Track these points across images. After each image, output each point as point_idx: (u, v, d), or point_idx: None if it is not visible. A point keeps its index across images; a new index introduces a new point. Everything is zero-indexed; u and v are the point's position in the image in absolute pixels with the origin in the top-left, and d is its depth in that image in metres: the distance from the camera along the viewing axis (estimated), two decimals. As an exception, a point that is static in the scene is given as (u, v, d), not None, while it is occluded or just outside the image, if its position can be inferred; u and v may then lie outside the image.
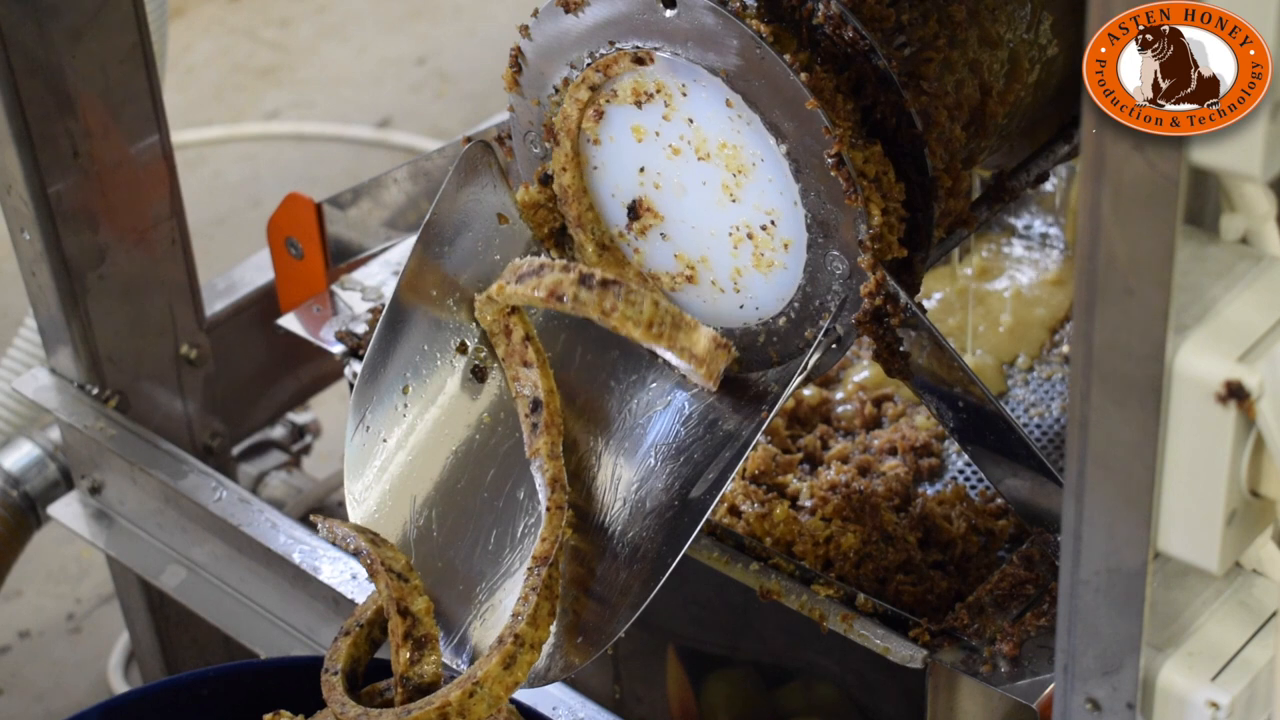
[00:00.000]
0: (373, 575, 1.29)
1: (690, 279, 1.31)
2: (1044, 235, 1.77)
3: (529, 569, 1.27)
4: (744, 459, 1.26)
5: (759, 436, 1.27)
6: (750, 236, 1.26)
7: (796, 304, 1.27)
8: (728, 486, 1.29)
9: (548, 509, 1.28)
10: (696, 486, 1.27)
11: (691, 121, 1.25)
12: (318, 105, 3.10)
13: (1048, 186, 1.74)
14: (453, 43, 3.25)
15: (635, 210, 1.31)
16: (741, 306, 1.30)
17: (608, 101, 1.27)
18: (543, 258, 1.30)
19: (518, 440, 1.34)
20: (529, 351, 1.33)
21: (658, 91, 1.25)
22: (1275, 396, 0.90)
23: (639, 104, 1.26)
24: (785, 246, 1.25)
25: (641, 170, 1.29)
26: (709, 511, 1.24)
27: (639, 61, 1.23)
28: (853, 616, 1.32)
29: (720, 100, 1.22)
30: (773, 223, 1.24)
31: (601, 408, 1.35)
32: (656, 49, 1.23)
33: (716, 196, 1.27)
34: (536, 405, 1.32)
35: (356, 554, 1.30)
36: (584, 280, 1.26)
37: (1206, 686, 1.00)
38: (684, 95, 1.24)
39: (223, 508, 1.57)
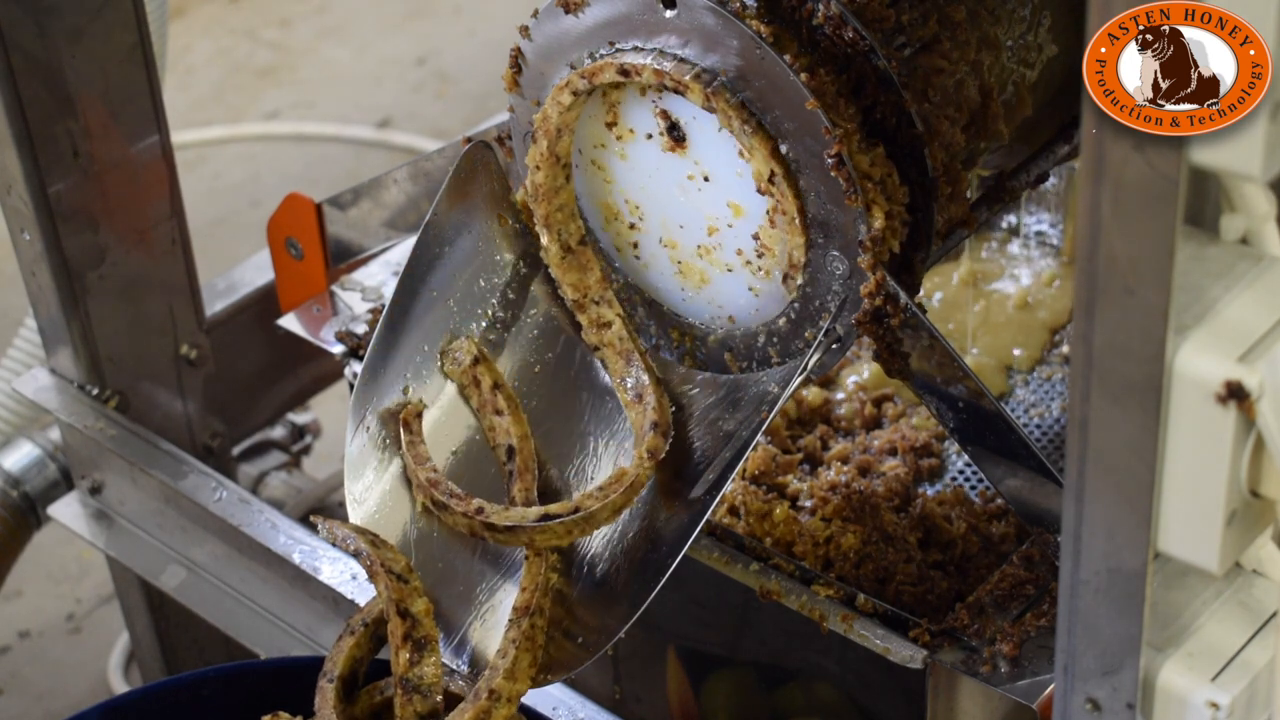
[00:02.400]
0: (372, 577, 1.29)
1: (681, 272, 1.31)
2: (1041, 234, 1.77)
3: (510, 620, 1.25)
4: (744, 459, 1.26)
5: (759, 436, 1.27)
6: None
7: (796, 304, 1.26)
8: (728, 486, 1.29)
9: (526, 557, 1.27)
10: (697, 487, 1.27)
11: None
12: (318, 105, 3.10)
13: (1046, 186, 1.74)
14: (453, 43, 3.25)
15: (676, 128, 1.27)
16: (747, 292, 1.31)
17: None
18: (453, 488, 1.29)
19: (518, 440, 1.34)
20: (499, 399, 1.33)
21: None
22: (1275, 396, 0.90)
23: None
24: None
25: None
26: (709, 511, 1.24)
27: (624, 74, 1.23)
28: (853, 617, 1.32)
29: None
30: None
31: (603, 407, 1.35)
32: (647, 60, 1.22)
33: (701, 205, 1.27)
34: (511, 453, 1.31)
35: (356, 555, 1.30)
36: (490, 528, 1.26)
37: (1206, 687, 1.00)
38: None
39: (223, 508, 1.57)
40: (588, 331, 1.34)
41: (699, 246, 1.29)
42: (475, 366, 1.34)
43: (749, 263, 1.28)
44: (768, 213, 1.25)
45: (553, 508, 1.25)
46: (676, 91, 1.21)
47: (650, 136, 1.27)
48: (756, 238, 1.26)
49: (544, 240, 1.34)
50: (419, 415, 1.33)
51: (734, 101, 1.19)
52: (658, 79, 1.21)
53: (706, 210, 1.27)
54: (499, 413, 1.33)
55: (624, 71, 1.23)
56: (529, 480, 1.31)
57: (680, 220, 1.29)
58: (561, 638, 1.27)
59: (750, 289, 1.29)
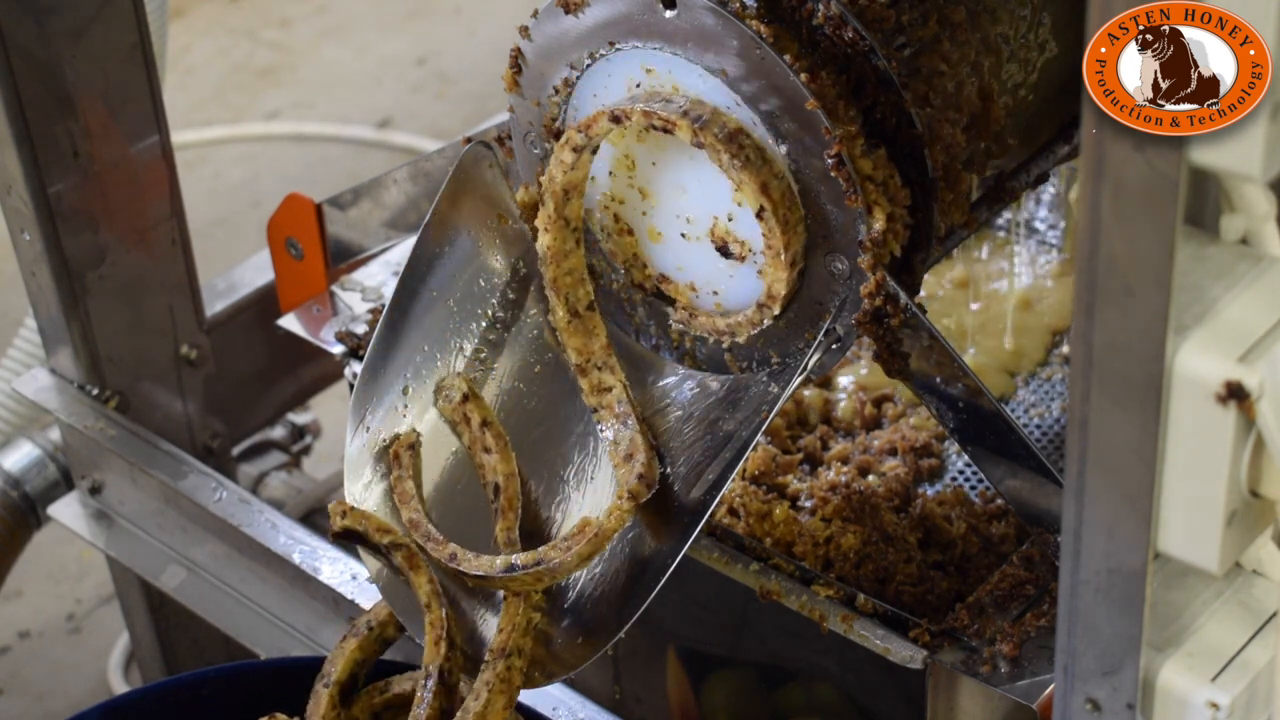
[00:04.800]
0: (413, 569, 1.28)
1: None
2: (1040, 234, 1.77)
3: (486, 660, 1.25)
4: (744, 459, 1.26)
5: (759, 436, 1.27)
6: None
7: (796, 304, 1.26)
8: (728, 486, 1.29)
9: (505, 597, 1.27)
10: (696, 487, 1.27)
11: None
12: (318, 105, 3.10)
13: (1048, 187, 1.74)
14: (453, 43, 3.25)
15: (725, 250, 1.29)
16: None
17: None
18: (431, 531, 1.30)
19: (517, 442, 1.34)
20: (488, 437, 1.32)
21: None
22: (1275, 396, 0.90)
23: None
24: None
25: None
26: (709, 512, 1.24)
27: (616, 120, 1.23)
28: (853, 617, 1.32)
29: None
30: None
31: (601, 408, 1.35)
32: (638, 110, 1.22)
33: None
34: (497, 490, 1.31)
35: (393, 548, 1.29)
36: (462, 574, 1.27)
37: (1206, 687, 1.00)
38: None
39: (223, 508, 1.57)
40: (587, 394, 1.33)
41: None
42: (465, 404, 1.33)
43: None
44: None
45: (518, 558, 1.25)
46: (665, 130, 1.21)
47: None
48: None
49: (551, 302, 1.33)
50: (410, 447, 1.32)
51: (722, 136, 1.19)
52: (646, 120, 1.22)
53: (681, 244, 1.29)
54: (487, 450, 1.32)
55: (615, 118, 1.23)
56: (511, 519, 1.30)
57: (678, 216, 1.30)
58: (582, 602, 1.27)
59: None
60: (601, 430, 1.31)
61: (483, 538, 1.32)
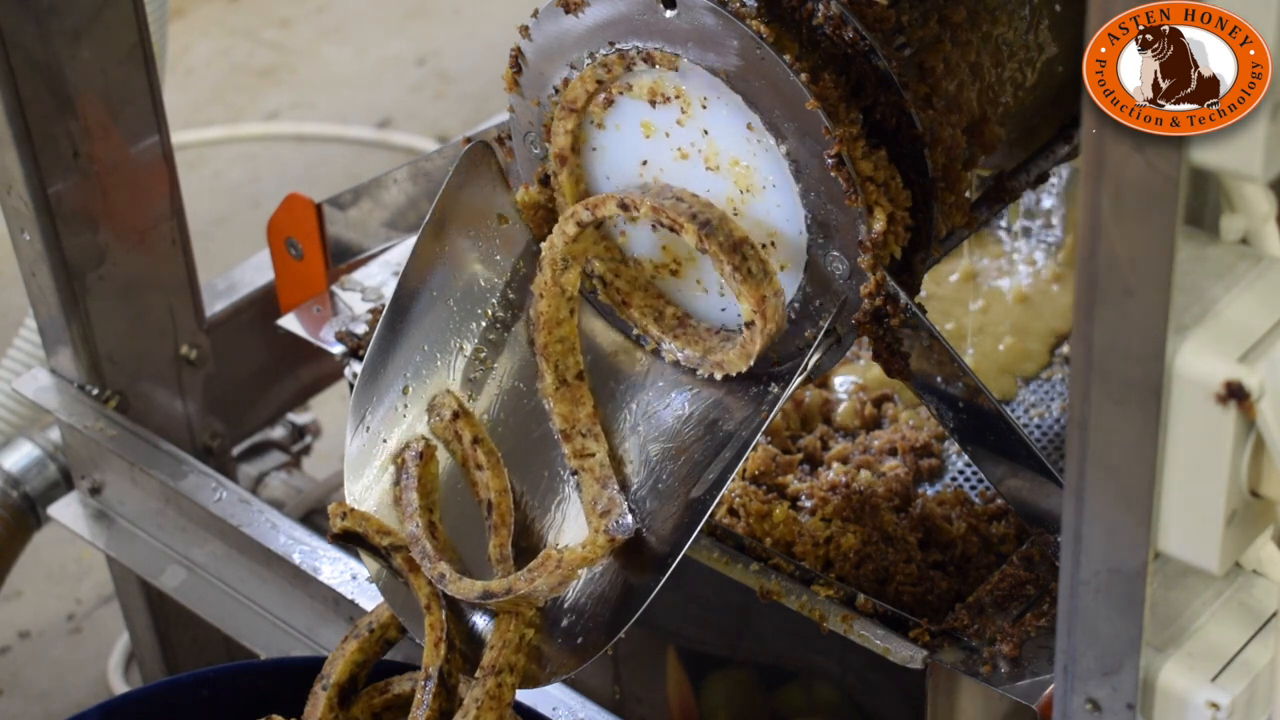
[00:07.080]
0: (411, 570, 1.28)
1: (675, 273, 1.31)
2: (1039, 233, 1.77)
3: (476, 677, 1.25)
4: (744, 459, 1.26)
5: (759, 436, 1.27)
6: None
7: (796, 304, 1.26)
8: (728, 486, 1.29)
9: (496, 615, 1.27)
10: (697, 487, 1.27)
11: (706, 133, 1.24)
12: (318, 106, 3.10)
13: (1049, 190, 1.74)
14: (453, 43, 3.25)
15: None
16: (724, 310, 1.31)
17: (621, 92, 1.27)
18: (426, 548, 1.30)
19: (517, 441, 1.34)
20: (479, 454, 1.32)
21: (676, 96, 1.24)
22: (1275, 397, 0.90)
23: (653, 103, 1.26)
24: (781, 268, 1.25)
25: (644, 163, 1.29)
26: (709, 512, 1.24)
27: (624, 208, 1.24)
28: (853, 617, 1.32)
29: (741, 122, 1.22)
30: (772, 243, 1.25)
31: (601, 408, 1.35)
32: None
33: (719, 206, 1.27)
34: (490, 507, 1.31)
35: (393, 549, 1.29)
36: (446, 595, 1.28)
37: (1206, 687, 1.00)
38: (704, 108, 1.23)
39: (223, 508, 1.57)
40: (569, 457, 1.33)
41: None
42: (455, 421, 1.33)
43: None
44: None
45: (492, 585, 1.25)
46: (672, 229, 1.23)
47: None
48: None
49: (540, 368, 1.33)
50: (419, 456, 1.32)
51: (726, 245, 1.20)
52: (655, 215, 1.23)
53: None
54: (479, 467, 1.32)
55: (623, 205, 1.24)
56: (504, 535, 1.30)
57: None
58: (534, 677, 1.27)
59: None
60: (580, 489, 1.31)
61: (483, 539, 1.32)
